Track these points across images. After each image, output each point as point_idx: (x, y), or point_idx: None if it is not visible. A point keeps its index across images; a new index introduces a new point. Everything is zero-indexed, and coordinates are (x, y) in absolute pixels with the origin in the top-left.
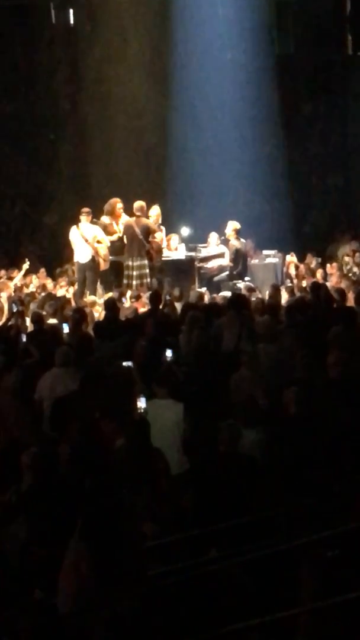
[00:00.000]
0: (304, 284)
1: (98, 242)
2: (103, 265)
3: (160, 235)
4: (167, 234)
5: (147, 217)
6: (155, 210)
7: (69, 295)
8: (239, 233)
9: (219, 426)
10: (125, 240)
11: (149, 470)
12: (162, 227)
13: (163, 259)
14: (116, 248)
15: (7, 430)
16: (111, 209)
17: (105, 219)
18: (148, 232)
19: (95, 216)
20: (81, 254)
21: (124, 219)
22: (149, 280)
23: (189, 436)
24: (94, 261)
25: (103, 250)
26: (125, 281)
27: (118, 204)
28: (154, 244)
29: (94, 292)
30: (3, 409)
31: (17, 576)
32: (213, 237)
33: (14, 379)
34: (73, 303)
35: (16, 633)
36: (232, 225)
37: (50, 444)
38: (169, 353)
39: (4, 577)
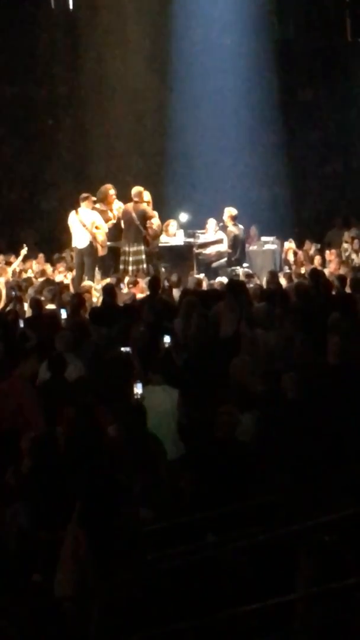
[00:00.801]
0: (303, 270)
1: (96, 227)
2: (101, 251)
3: (156, 221)
4: (165, 220)
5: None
6: (146, 196)
7: (68, 280)
8: (235, 219)
9: (216, 412)
10: (122, 225)
11: (145, 456)
12: (155, 212)
13: (161, 244)
14: (114, 234)
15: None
16: (103, 196)
17: (99, 206)
18: (145, 217)
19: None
20: (79, 240)
21: (117, 204)
22: (145, 266)
23: (185, 422)
24: (92, 247)
25: (101, 236)
26: (121, 267)
27: (110, 190)
28: (150, 229)
29: (92, 278)
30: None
31: (16, 560)
32: (211, 223)
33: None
34: (71, 288)
35: (15, 617)
36: (228, 212)
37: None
38: (167, 339)
39: (2, 561)
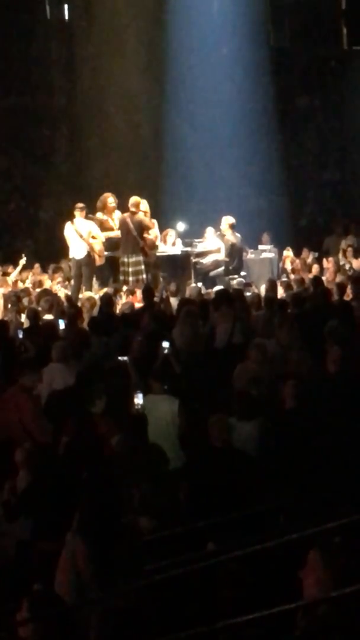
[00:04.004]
0: (307, 277)
1: (93, 237)
2: (98, 261)
3: (154, 232)
4: (163, 229)
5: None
6: (143, 205)
7: (66, 290)
8: (233, 227)
9: (208, 420)
10: (120, 236)
11: (146, 465)
12: (154, 221)
13: (158, 254)
14: (112, 244)
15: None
16: (102, 205)
17: (99, 215)
18: (142, 228)
19: (92, 212)
20: (76, 250)
21: (117, 214)
22: (144, 276)
23: (185, 431)
24: (89, 257)
25: (98, 245)
26: (121, 277)
27: (109, 198)
28: (148, 240)
29: (90, 288)
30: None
31: (15, 570)
32: (209, 231)
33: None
34: (68, 299)
35: (14, 627)
36: (227, 220)
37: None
38: (165, 344)
39: (1, 571)
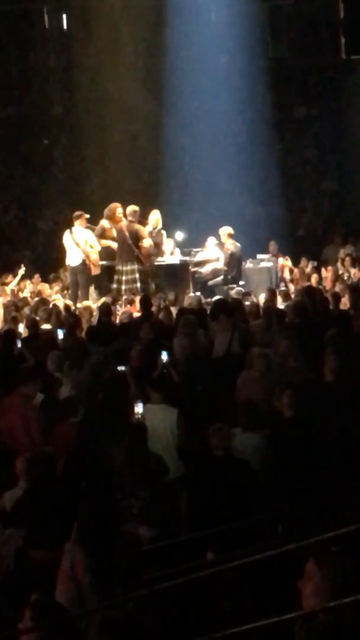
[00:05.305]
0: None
1: (90, 246)
2: (94, 270)
3: (148, 242)
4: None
5: (141, 222)
6: (154, 215)
7: (65, 300)
8: (232, 237)
9: (208, 430)
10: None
11: (146, 474)
12: (163, 232)
13: (156, 263)
14: (110, 253)
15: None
16: (111, 214)
17: (104, 223)
18: (137, 236)
19: (92, 221)
20: (72, 258)
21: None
22: (138, 285)
23: (184, 441)
24: (84, 265)
25: (94, 255)
26: (115, 286)
27: (118, 208)
28: (143, 249)
29: (86, 296)
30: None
31: (14, 580)
32: (211, 241)
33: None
34: (66, 307)
35: (17, 636)
36: (224, 230)
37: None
38: (164, 356)
39: (0, 581)
